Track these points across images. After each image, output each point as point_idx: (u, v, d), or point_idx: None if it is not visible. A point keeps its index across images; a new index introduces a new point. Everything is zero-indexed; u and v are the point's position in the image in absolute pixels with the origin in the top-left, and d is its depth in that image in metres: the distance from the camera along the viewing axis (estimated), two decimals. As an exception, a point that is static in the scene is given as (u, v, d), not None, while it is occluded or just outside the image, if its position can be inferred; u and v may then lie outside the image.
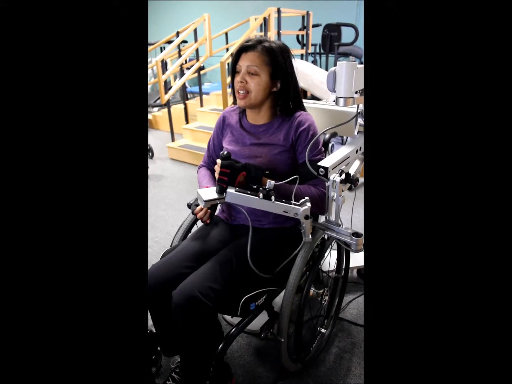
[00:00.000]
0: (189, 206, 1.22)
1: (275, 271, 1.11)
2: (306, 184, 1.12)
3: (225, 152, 0.99)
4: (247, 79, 1.09)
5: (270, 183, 0.94)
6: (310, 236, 0.98)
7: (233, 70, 1.13)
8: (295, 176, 1.01)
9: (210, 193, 1.01)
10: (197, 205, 1.15)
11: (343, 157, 0.99)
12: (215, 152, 1.29)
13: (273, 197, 0.93)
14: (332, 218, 1.02)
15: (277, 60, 1.09)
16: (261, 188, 0.94)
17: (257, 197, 0.93)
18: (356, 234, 0.95)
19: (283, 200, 0.95)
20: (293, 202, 0.95)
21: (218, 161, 0.98)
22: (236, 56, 1.12)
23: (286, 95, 1.15)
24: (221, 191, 0.99)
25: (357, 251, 0.96)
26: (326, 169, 0.91)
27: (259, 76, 1.08)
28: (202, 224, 1.21)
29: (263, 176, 1.06)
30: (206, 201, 1.00)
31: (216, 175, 1.00)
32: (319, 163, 0.92)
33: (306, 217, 0.93)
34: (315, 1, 5.06)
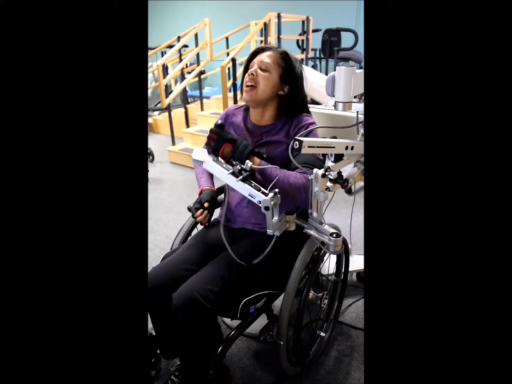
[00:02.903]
0: (189, 209, 1.22)
1: (259, 258, 1.08)
2: (294, 171, 1.08)
3: (219, 121, 0.98)
4: (258, 73, 1.12)
5: (247, 164, 0.92)
6: (275, 230, 0.91)
7: (246, 68, 1.17)
8: (276, 166, 1.00)
9: (202, 154, 1.00)
10: (197, 208, 1.16)
11: (325, 143, 0.97)
12: None
13: (240, 177, 0.90)
14: (315, 214, 0.98)
15: (290, 64, 1.13)
16: (237, 166, 0.92)
17: (225, 171, 0.92)
18: (335, 234, 0.91)
19: (253, 184, 0.91)
20: (262, 189, 0.90)
21: (211, 128, 0.98)
22: (251, 55, 1.16)
23: (291, 102, 1.16)
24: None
25: (335, 252, 0.93)
26: (300, 142, 0.88)
27: (269, 73, 1.11)
28: (202, 227, 1.22)
29: (256, 157, 1.05)
30: (194, 160, 0.99)
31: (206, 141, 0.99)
32: (296, 136, 0.91)
33: (266, 208, 0.88)
34: (315, 7, 5.10)
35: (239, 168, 0.91)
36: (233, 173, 0.91)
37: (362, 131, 1.16)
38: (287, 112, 1.18)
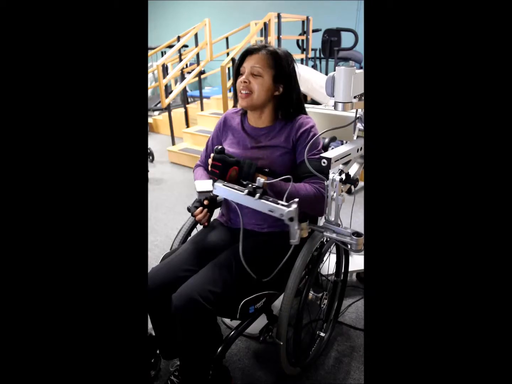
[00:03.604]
0: (189, 209, 1.22)
1: (272, 274, 1.11)
2: (302, 183, 1.10)
3: (219, 147, 0.99)
4: (250, 80, 1.11)
5: (259, 181, 0.92)
6: (298, 239, 0.92)
7: (237, 72, 1.16)
8: (288, 176, 0.98)
9: (205, 184, 1.02)
10: (196, 206, 1.16)
11: (345, 152, 0.99)
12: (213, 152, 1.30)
13: (257, 195, 0.90)
14: (332, 218, 1.01)
15: (280, 64, 1.12)
16: (249, 185, 0.92)
17: (241, 193, 0.91)
18: (356, 234, 0.94)
19: (270, 199, 0.91)
20: (281, 202, 0.91)
21: (212, 155, 0.99)
22: (241, 59, 1.15)
23: (288, 100, 1.16)
24: (214, 184, 0.98)
25: (357, 251, 0.95)
26: (329, 160, 0.90)
27: (262, 77, 1.11)
28: (202, 227, 1.22)
29: (260, 174, 1.05)
30: (199, 192, 1.00)
31: (209, 168, 1.01)
32: (322, 154, 0.92)
33: (291, 219, 0.88)
34: (315, 7, 5.10)
35: (253, 186, 0.91)
36: (249, 193, 0.91)
37: (358, 126, 1.16)
38: (285, 112, 1.18)
